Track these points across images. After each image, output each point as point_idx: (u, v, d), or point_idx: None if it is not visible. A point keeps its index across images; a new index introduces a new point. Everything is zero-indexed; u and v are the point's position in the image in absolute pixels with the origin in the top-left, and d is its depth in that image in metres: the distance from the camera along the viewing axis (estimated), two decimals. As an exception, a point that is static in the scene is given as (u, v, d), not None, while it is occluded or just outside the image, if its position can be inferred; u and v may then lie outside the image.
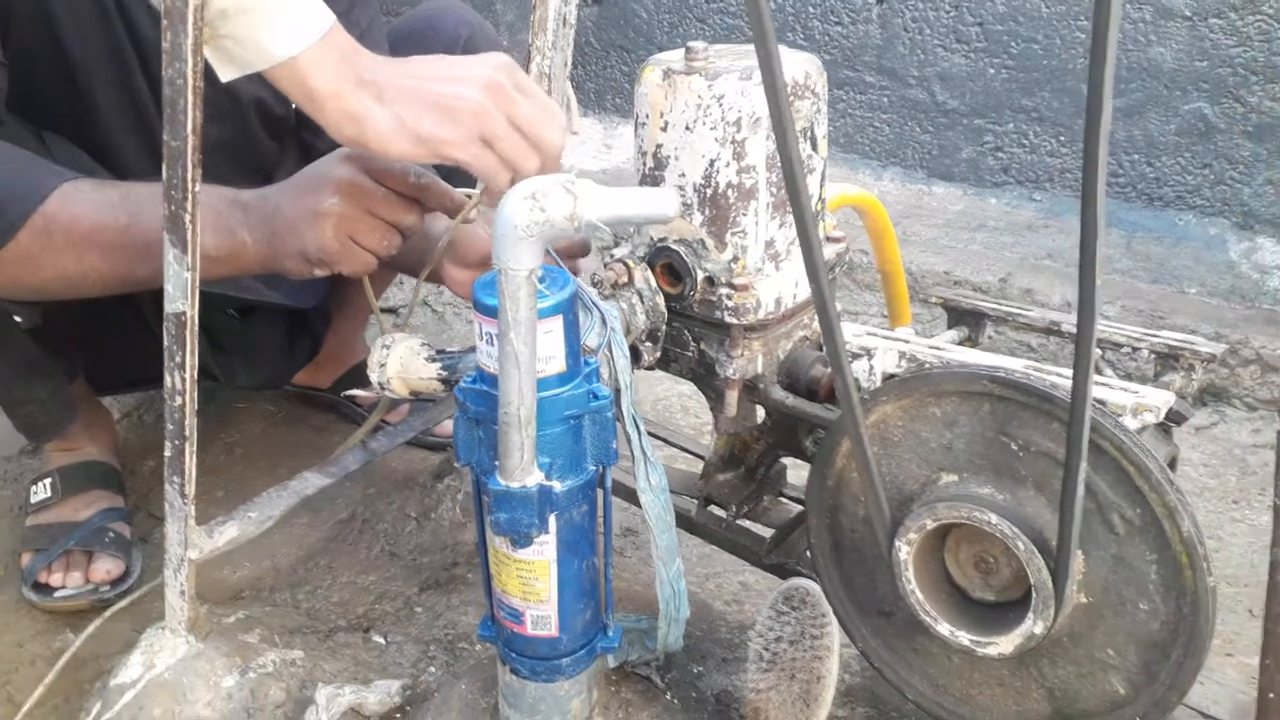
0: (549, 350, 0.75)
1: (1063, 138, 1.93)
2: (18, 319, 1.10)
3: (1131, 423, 0.72)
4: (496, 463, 0.75)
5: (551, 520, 0.79)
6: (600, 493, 0.84)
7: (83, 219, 0.91)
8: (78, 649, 1.15)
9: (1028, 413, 0.71)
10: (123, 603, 1.11)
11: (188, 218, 0.80)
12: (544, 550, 0.80)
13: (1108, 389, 0.74)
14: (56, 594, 1.21)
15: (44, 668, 1.14)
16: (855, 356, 0.82)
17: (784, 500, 1.09)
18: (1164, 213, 1.86)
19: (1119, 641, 0.72)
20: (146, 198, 0.92)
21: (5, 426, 1.27)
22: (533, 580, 0.81)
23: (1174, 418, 0.80)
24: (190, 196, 0.80)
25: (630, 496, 1.00)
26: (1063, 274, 1.80)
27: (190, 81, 0.77)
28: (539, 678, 0.86)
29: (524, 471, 0.74)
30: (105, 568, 1.23)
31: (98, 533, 1.26)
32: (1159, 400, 0.74)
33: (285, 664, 1.03)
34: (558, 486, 0.78)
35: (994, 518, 0.69)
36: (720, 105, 0.85)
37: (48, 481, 1.31)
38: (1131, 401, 0.73)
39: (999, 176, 2.02)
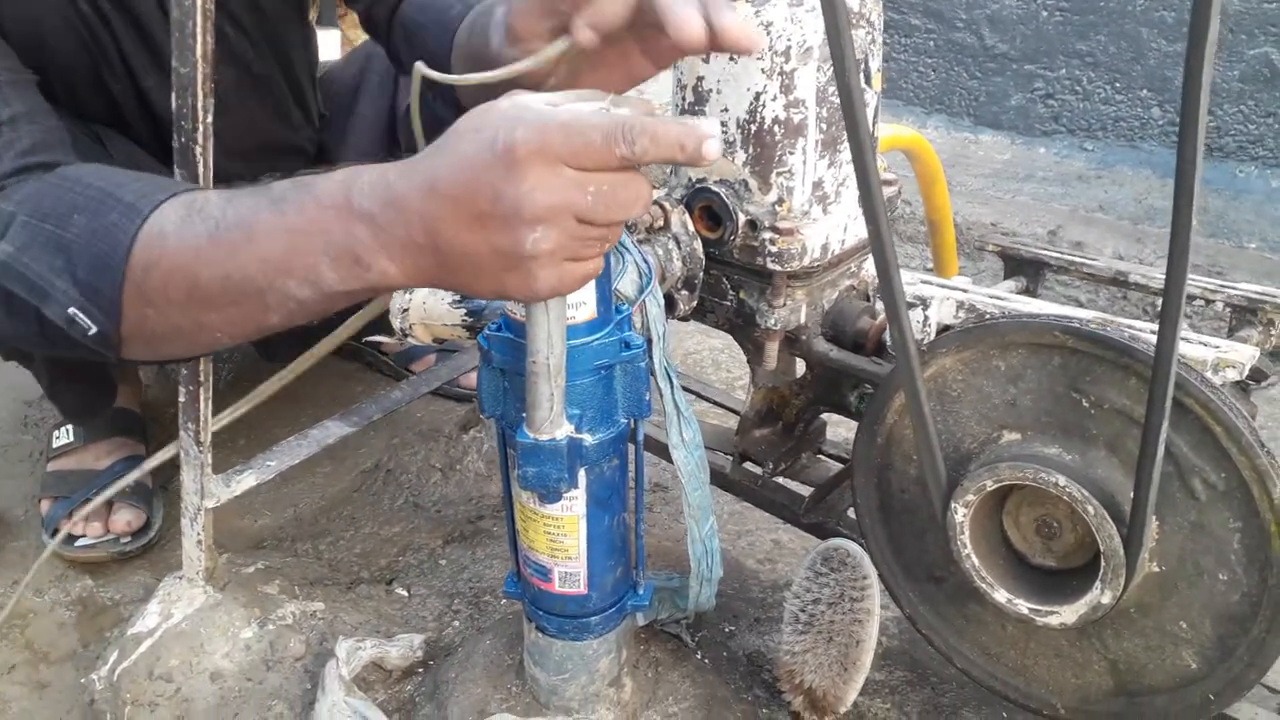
0: (579, 296, 0.70)
1: (1118, 84, 1.84)
2: None
3: (1212, 379, 0.66)
4: (524, 415, 0.71)
5: (581, 474, 0.75)
6: (632, 447, 0.80)
7: (173, 279, 0.69)
8: (97, 595, 1.14)
9: (1103, 367, 0.65)
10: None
11: (198, 149, 0.76)
12: (573, 505, 0.76)
13: (1186, 343, 0.68)
14: (77, 544, 1.19)
15: (62, 614, 1.12)
16: (910, 306, 0.77)
17: (823, 458, 1.05)
18: (1224, 164, 1.77)
19: (1193, 614, 0.67)
20: (237, 223, 0.67)
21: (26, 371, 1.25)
22: (561, 536, 0.77)
23: (1254, 375, 0.74)
24: (203, 128, 0.76)
25: (661, 451, 0.96)
26: (1115, 227, 1.73)
27: (199, 4, 0.72)
28: (566, 636, 0.83)
29: (553, 424, 0.70)
30: (125, 519, 1.20)
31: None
32: (1242, 356, 0.68)
33: (305, 616, 1.01)
34: (588, 440, 0.73)
35: (1062, 479, 0.64)
36: (768, 33, 0.79)
37: (69, 427, 1.29)
38: (1212, 356, 0.68)
39: (1049, 125, 1.93)
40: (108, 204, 0.71)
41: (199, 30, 0.71)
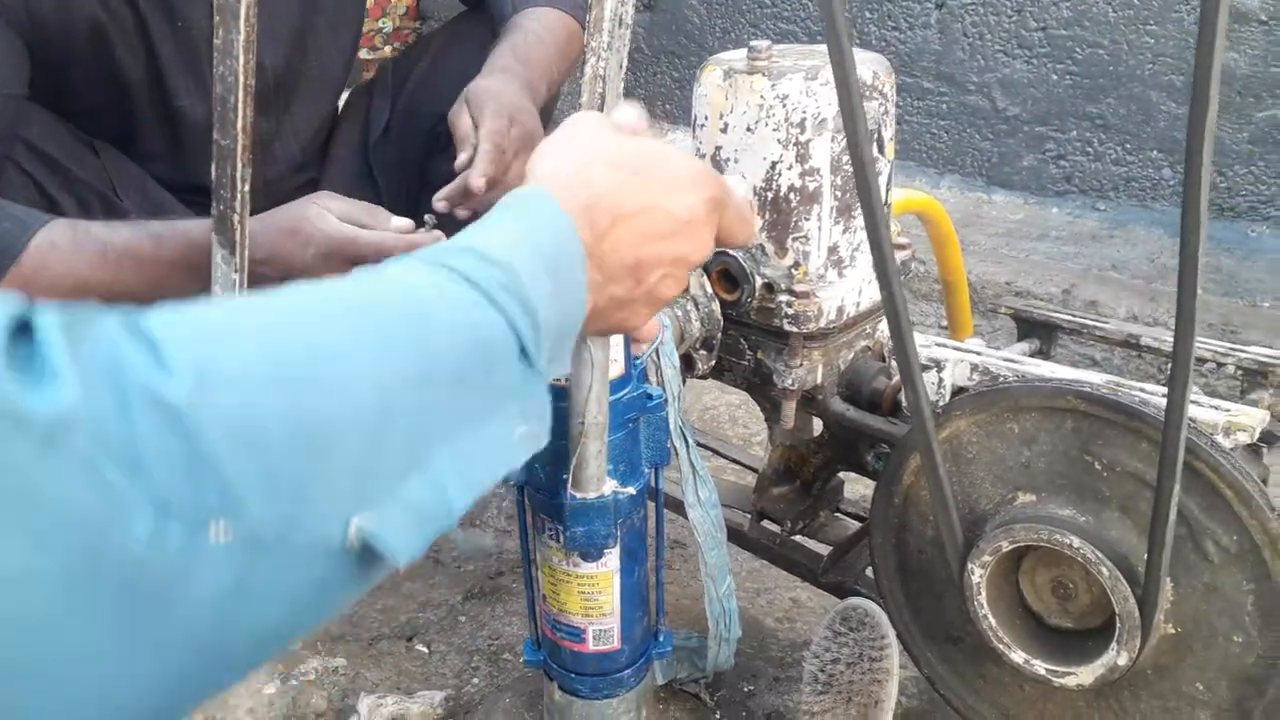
0: (614, 354, 0.72)
1: (1128, 145, 1.87)
2: None
3: (1223, 442, 0.67)
4: (565, 477, 0.72)
5: (616, 528, 0.76)
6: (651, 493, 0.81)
7: (64, 280, 0.87)
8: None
9: (1114, 430, 0.67)
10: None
11: (236, 218, 0.79)
12: (608, 561, 0.77)
13: (1197, 406, 0.69)
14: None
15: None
16: (925, 368, 0.78)
17: (841, 516, 1.05)
18: (1236, 224, 1.79)
19: (1209, 675, 0.67)
20: (124, 250, 0.89)
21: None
22: (595, 594, 0.78)
23: (1265, 438, 0.75)
24: (240, 196, 0.79)
25: (677, 508, 0.97)
26: (1128, 286, 1.74)
27: (241, 80, 0.75)
28: (600, 694, 0.83)
29: (600, 481, 0.72)
30: None
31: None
32: (1253, 419, 0.69)
33: (327, 672, 1.02)
34: (627, 493, 0.75)
35: (1076, 541, 0.65)
36: (784, 106, 0.82)
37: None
38: (1223, 420, 0.69)
39: (1061, 185, 1.96)
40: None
41: (240, 105, 0.74)
